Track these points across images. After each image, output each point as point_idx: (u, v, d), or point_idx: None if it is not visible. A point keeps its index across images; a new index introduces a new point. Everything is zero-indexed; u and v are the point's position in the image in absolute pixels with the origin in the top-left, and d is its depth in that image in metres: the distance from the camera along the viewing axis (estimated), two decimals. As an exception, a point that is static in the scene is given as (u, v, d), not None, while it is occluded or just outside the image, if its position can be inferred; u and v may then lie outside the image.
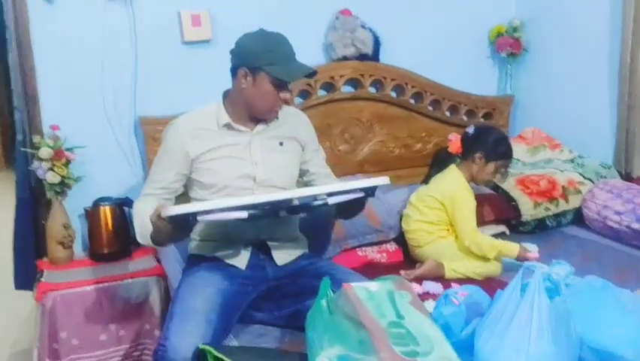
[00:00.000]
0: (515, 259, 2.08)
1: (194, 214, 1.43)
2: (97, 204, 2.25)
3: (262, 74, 1.63)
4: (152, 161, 1.96)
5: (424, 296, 1.91)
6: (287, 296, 1.69)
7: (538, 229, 2.46)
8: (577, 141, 2.77)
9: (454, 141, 2.22)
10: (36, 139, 2.19)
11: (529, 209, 2.42)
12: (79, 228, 2.35)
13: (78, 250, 2.35)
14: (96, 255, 2.26)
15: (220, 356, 1.36)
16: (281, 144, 1.77)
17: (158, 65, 2.41)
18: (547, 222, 2.47)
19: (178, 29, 2.43)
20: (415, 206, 2.23)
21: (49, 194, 2.18)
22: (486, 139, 2.22)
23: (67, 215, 2.24)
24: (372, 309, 1.35)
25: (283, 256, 1.75)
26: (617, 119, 2.60)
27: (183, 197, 1.78)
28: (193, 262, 1.77)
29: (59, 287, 2.05)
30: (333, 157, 2.68)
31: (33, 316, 2.15)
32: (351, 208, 1.70)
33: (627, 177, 2.57)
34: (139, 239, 1.67)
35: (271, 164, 1.73)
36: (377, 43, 2.73)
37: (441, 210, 2.18)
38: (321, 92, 2.69)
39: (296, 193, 1.51)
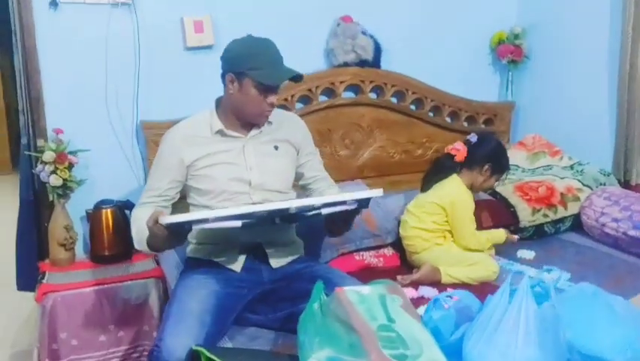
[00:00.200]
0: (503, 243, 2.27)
1: (190, 223, 1.46)
2: (98, 206, 2.28)
3: (247, 79, 1.66)
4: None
5: (420, 301, 1.92)
6: (282, 299, 1.71)
7: (537, 235, 2.47)
8: (577, 148, 2.77)
9: (461, 151, 2.23)
10: (40, 142, 2.24)
11: (527, 215, 2.43)
12: (81, 230, 2.38)
13: (80, 252, 2.38)
14: (97, 257, 2.29)
15: (212, 357, 1.38)
16: (276, 148, 1.79)
17: (161, 70, 2.44)
18: (546, 228, 2.47)
19: (181, 35, 2.46)
20: (412, 213, 2.25)
21: (51, 196, 2.22)
22: (493, 151, 2.26)
23: (70, 217, 2.28)
24: (363, 312, 1.37)
25: (279, 259, 1.77)
26: (616, 126, 2.61)
27: (181, 203, 1.82)
28: (190, 264, 1.80)
29: (60, 288, 2.08)
30: (333, 162, 2.70)
31: (33, 316, 2.18)
32: (338, 224, 1.72)
33: (626, 184, 2.57)
34: (136, 245, 1.71)
35: (265, 168, 1.75)
36: (378, 49, 2.75)
37: (440, 216, 2.19)
38: (322, 98, 2.72)
39: (290, 204, 1.52)
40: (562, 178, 2.58)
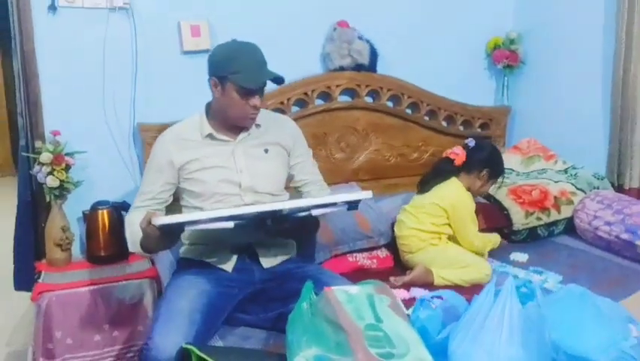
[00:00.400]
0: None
1: (182, 224, 1.49)
2: (95, 207, 2.30)
3: (229, 83, 1.69)
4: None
5: (411, 302, 1.92)
6: (273, 299, 1.73)
7: (530, 238, 2.48)
8: (571, 152, 2.79)
9: (460, 155, 2.25)
10: (37, 144, 2.26)
11: (520, 218, 2.45)
12: (77, 231, 2.41)
13: (76, 252, 2.40)
14: (93, 257, 2.31)
15: (202, 355, 1.39)
16: (266, 151, 1.82)
17: (158, 73, 2.47)
18: (539, 231, 2.49)
19: (177, 39, 2.49)
20: (409, 213, 2.27)
21: (48, 197, 2.24)
22: (490, 156, 2.30)
23: (66, 218, 2.30)
24: (351, 312, 1.39)
25: (270, 259, 1.79)
26: (610, 130, 2.63)
27: (174, 205, 1.84)
28: (182, 265, 1.82)
29: (55, 288, 2.10)
30: (329, 165, 2.73)
31: (29, 316, 2.20)
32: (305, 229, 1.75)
33: (619, 188, 2.59)
34: (130, 248, 1.75)
35: (255, 171, 1.78)
36: (374, 54, 2.78)
37: (441, 218, 2.21)
38: (318, 102, 2.74)
39: (281, 205, 1.55)
40: (556, 182, 2.60)
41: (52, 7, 2.28)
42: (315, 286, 1.46)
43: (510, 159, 2.75)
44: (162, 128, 2.14)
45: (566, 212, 2.50)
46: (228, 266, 1.76)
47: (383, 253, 2.33)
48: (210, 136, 1.78)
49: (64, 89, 2.35)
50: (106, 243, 2.30)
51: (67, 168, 2.23)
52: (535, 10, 3.03)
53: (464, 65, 3.08)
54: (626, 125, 2.53)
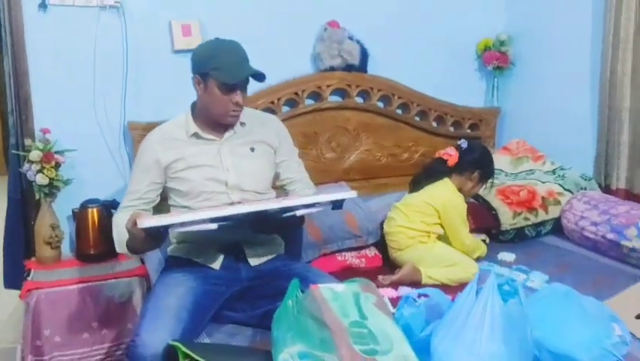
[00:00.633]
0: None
1: (166, 227, 1.50)
2: (85, 206, 2.31)
3: (211, 79, 1.70)
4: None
5: (399, 300, 1.93)
6: (260, 297, 1.74)
7: (518, 238, 2.50)
8: (559, 153, 2.81)
9: (453, 156, 2.27)
10: (27, 142, 2.26)
11: (508, 218, 2.47)
12: (67, 229, 2.41)
13: (66, 250, 2.41)
14: (83, 255, 2.31)
15: (188, 352, 1.40)
16: (252, 149, 1.83)
17: (149, 72, 2.48)
18: (527, 231, 2.51)
19: (169, 38, 2.50)
20: (400, 210, 2.27)
21: (38, 195, 2.25)
22: (482, 158, 2.32)
23: (56, 216, 2.30)
24: (336, 309, 1.41)
25: (257, 257, 1.81)
26: (598, 132, 2.65)
27: (161, 204, 1.85)
28: (170, 263, 1.83)
29: (44, 286, 2.10)
30: (319, 165, 2.74)
31: (17, 314, 2.20)
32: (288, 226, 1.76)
33: (607, 189, 2.61)
34: (117, 249, 1.76)
35: (242, 170, 1.79)
36: (364, 54, 2.80)
37: (431, 217, 2.22)
38: (309, 101, 2.76)
39: (264, 206, 1.55)
40: (543, 182, 2.62)
41: (43, 5, 2.28)
42: (301, 283, 1.48)
43: (499, 160, 2.77)
44: (152, 126, 2.14)
45: (553, 212, 2.52)
46: (216, 264, 1.77)
47: (371, 252, 2.34)
48: (196, 135, 1.79)
49: (55, 88, 2.36)
50: (95, 241, 2.30)
51: (57, 166, 2.23)
52: (525, 12, 3.05)
53: (454, 66, 3.10)
54: (614, 127, 2.55)
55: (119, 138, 2.48)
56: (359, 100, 2.84)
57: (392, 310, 1.67)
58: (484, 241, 2.42)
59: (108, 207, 2.32)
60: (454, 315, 1.33)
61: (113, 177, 2.48)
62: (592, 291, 1.81)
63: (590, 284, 2.02)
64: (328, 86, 2.74)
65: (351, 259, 2.28)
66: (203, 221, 1.49)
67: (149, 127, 2.28)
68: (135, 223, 1.49)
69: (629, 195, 2.52)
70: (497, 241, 2.50)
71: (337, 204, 1.64)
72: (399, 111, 2.93)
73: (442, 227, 2.26)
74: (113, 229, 1.75)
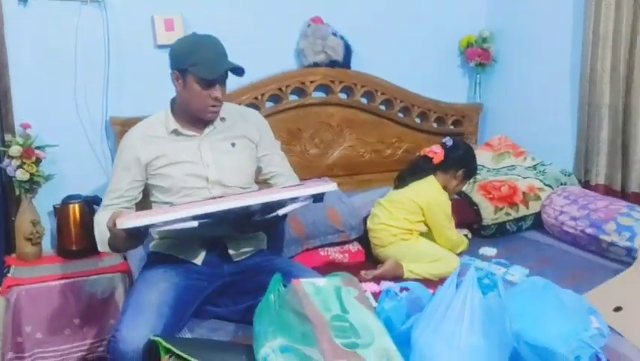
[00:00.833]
0: None
1: (146, 227, 1.50)
2: (66, 201, 2.29)
3: (189, 75, 1.69)
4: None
5: (380, 294, 1.96)
6: (243, 292, 1.74)
7: (499, 233, 2.53)
8: (541, 149, 2.85)
9: (439, 154, 2.28)
10: (7, 137, 2.24)
11: (490, 213, 2.49)
12: (48, 225, 2.39)
13: (47, 246, 2.39)
14: (64, 252, 2.30)
15: (170, 347, 1.40)
16: (233, 144, 1.82)
17: (131, 67, 2.46)
18: (508, 226, 2.54)
19: (151, 33, 2.49)
20: (384, 207, 2.28)
21: (18, 191, 2.23)
22: (467, 156, 2.34)
23: (37, 212, 2.29)
24: (317, 303, 1.41)
25: (239, 252, 1.80)
26: (578, 128, 2.69)
27: (143, 201, 1.84)
28: (152, 259, 1.83)
29: (24, 282, 2.09)
30: (303, 161, 2.75)
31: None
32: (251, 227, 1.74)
33: (586, 184, 2.65)
34: (99, 248, 1.75)
35: (222, 165, 1.78)
36: (348, 50, 2.80)
37: (416, 214, 2.23)
38: (292, 97, 2.76)
39: (243, 202, 1.55)
40: (524, 178, 2.65)
41: (23, -1, 2.26)
42: (284, 278, 1.48)
43: (481, 156, 2.79)
44: (135, 122, 2.12)
45: (534, 207, 2.56)
46: (198, 259, 1.76)
47: (354, 247, 2.35)
48: (176, 132, 1.78)
49: (35, 82, 2.34)
50: (77, 237, 2.29)
51: (38, 161, 2.22)
52: (507, 9, 3.08)
53: (438, 63, 3.12)
54: (593, 123, 2.59)
55: (100, 133, 2.47)
56: (343, 96, 2.85)
57: (374, 304, 1.68)
58: (466, 235, 2.45)
59: (90, 203, 2.31)
60: (434, 308, 1.34)
61: (95, 173, 2.46)
62: (571, 285, 1.84)
63: (570, 278, 2.05)
64: (312, 82, 2.74)
65: (334, 254, 2.29)
66: (184, 219, 1.49)
67: (131, 122, 2.26)
68: (115, 223, 1.49)
69: (608, 191, 2.56)
70: (479, 235, 2.52)
71: (318, 198, 1.64)
72: (382, 107, 2.95)
73: (426, 225, 2.27)
74: (95, 228, 1.75)
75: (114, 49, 2.41)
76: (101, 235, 1.69)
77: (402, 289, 1.57)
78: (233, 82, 2.43)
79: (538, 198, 2.56)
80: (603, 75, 2.52)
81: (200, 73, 1.68)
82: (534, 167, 2.76)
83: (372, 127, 2.93)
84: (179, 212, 1.50)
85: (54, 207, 2.35)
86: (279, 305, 1.42)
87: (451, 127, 3.12)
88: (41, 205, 2.33)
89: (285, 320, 1.37)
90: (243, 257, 1.81)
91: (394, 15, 2.95)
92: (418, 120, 3.04)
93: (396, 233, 2.23)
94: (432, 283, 1.99)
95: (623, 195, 2.50)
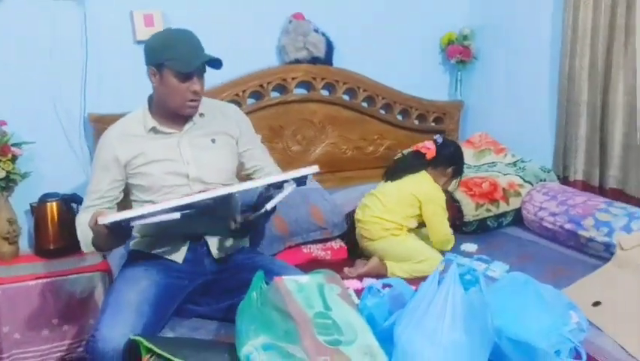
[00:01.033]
0: None
1: (128, 220, 1.47)
2: (43, 199, 2.25)
3: (166, 70, 1.67)
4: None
5: (363, 292, 1.96)
6: (224, 290, 1.73)
7: (480, 229, 2.55)
8: (520, 146, 2.88)
9: (431, 150, 2.29)
10: (-18, 134, 2.19)
11: (471, 210, 2.51)
12: (26, 224, 2.35)
13: (24, 245, 2.35)
14: (42, 251, 2.27)
15: (150, 346, 1.39)
16: (213, 141, 1.80)
17: (110, 63, 2.43)
18: (489, 222, 2.56)
19: (130, 29, 2.45)
20: (378, 198, 2.25)
21: (-6, 189, 2.18)
22: (457, 154, 2.36)
23: (13, 210, 2.24)
24: (300, 301, 1.41)
25: (221, 250, 1.79)
26: (556, 125, 2.72)
27: (124, 200, 1.82)
28: (132, 257, 1.81)
29: (2, 282, 2.05)
30: (285, 158, 2.73)
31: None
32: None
33: (565, 180, 2.68)
34: (83, 248, 1.72)
35: (202, 162, 1.76)
36: (329, 47, 2.80)
37: (412, 208, 2.21)
38: (274, 94, 2.75)
39: (223, 191, 1.54)
40: (505, 174, 2.67)
41: (-1, -6, 2.22)
42: (266, 276, 1.48)
43: (463, 153, 2.80)
44: (114, 118, 2.09)
45: (514, 204, 2.58)
46: (179, 257, 1.75)
47: (337, 244, 2.35)
48: (154, 129, 1.76)
49: (12, 78, 2.29)
50: (55, 236, 2.26)
51: (14, 158, 2.18)
52: (487, 7, 3.10)
53: (419, 60, 3.13)
54: (572, 120, 2.62)
55: (79, 130, 2.43)
56: (324, 93, 2.85)
57: (357, 301, 1.68)
58: None
59: (68, 201, 2.28)
60: (417, 304, 1.34)
61: (73, 170, 2.43)
62: (551, 280, 1.85)
63: (549, 273, 2.07)
64: (294, 78, 2.73)
65: (316, 251, 2.29)
66: (165, 211, 1.47)
67: (110, 119, 2.24)
68: (97, 222, 1.47)
69: (586, 187, 2.60)
70: (460, 232, 2.52)
71: (301, 181, 1.63)
72: (364, 104, 2.95)
73: (418, 220, 2.25)
74: (77, 228, 1.72)
75: (92, 44, 2.38)
76: (84, 235, 1.67)
77: (384, 285, 1.57)
78: (214, 78, 2.42)
79: (518, 194, 2.58)
80: (581, 73, 2.55)
81: (177, 66, 1.65)
82: (514, 163, 2.79)
83: (354, 124, 2.93)
84: (160, 204, 1.48)
85: (31, 205, 2.31)
86: (262, 303, 1.41)
87: (433, 124, 3.14)
88: (18, 203, 2.29)
89: (267, 317, 1.37)
90: (225, 255, 1.80)
91: (376, 12, 2.95)
92: (399, 117, 3.05)
93: (388, 227, 2.20)
94: (414, 279, 1.99)
95: (601, 191, 2.53)
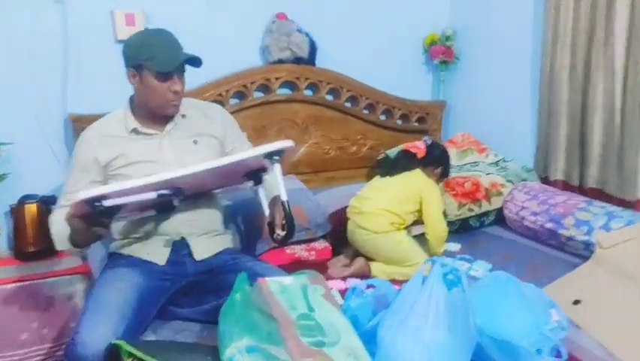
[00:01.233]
0: None
1: (103, 197, 1.42)
2: (22, 201, 2.22)
3: (145, 70, 1.65)
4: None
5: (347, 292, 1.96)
6: (207, 292, 1.71)
7: (463, 229, 2.56)
8: (502, 146, 2.90)
9: (422, 150, 2.29)
10: (-41, 135, 2.16)
11: (454, 209, 2.52)
12: (4, 226, 2.31)
13: (3, 248, 2.31)
14: (21, 253, 2.23)
15: (132, 350, 1.37)
16: (195, 142, 1.79)
17: (91, 63, 2.40)
18: (471, 222, 2.58)
19: (111, 28, 2.43)
20: (380, 190, 2.21)
21: (-29, 191, 2.15)
22: (444, 155, 2.38)
23: (-9, 212, 2.21)
24: (284, 302, 1.40)
25: (203, 251, 1.77)
26: (538, 125, 2.74)
27: None
28: (112, 259, 1.78)
29: (-21, 285, 2.02)
30: (268, 158, 2.72)
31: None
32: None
33: (546, 180, 2.71)
34: (58, 246, 1.68)
35: (184, 163, 1.71)
36: (313, 47, 2.79)
37: (413, 202, 2.20)
38: (257, 94, 2.74)
39: (206, 166, 1.52)
40: (487, 174, 2.69)
41: (-24, -8, 2.17)
42: (249, 277, 1.47)
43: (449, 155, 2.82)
44: (95, 118, 2.07)
45: (496, 203, 2.60)
46: (161, 259, 1.73)
47: (321, 244, 2.34)
48: (135, 130, 1.74)
49: (-11, 78, 2.25)
50: (35, 238, 2.22)
51: (-8, 159, 2.14)
52: (470, 8, 3.12)
53: (402, 60, 3.14)
54: (552, 120, 2.64)
55: (59, 130, 2.40)
56: (308, 93, 2.84)
57: (340, 301, 1.68)
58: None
59: (47, 203, 2.24)
60: (400, 305, 1.35)
61: (53, 172, 2.38)
62: (532, 278, 1.87)
63: (531, 272, 2.08)
64: (277, 78, 2.73)
65: (300, 251, 2.28)
66: (142, 189, 1.44)
67: (91, 119, 2.20)
68: (73, 214, 1.43)
69: (567, 186, 2.63)
70: (443, 231, 2.55)
71: (279, 155, 1.63)
72: (347, 104, 2.95)
73: (417, 215, 2.23)
74: (52, 227, 1.68)
75: (73, 44, 2.35)
76: (60, 233, 1.63)
77: (368, 286, 1.57)
78: (197, 78, 2.41)
79: (500, 194, 2.60)
80: (562, 73, 2.58)
81: (156, 66, 1.64)
82: (496, 163, 2.81)
83: (337, 124, 2.93)
84: (138, 180, 1.45)
85: (10, 207, 2.27)
86: (245, 305, 1.40)
87: (416, 124, 3.15)
88: (-4, 205, 2.25)
89: (250, 319, 1.36)
90: (207, 256, 1.78)
91: (359, 12, 2.96)
92: (383, 117, 3.06)
93: (393, 221, 2.16)
94: (397, 281, 2.00)
95: (581, 190, 2.56)
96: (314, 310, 1.41)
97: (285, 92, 2.80)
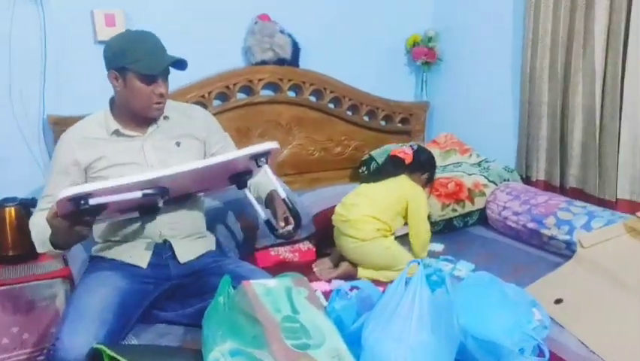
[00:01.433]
0: None
1: (87, 195, 1.39)
2: (1, 204, 2.18)
3: (129, 73, 1.64)
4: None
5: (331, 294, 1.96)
6: (191, 295, 1.70)
7: (447, 229, 2.58)
8: (484, 146, 2.93)
9: (409, 155, 2.29)
10: None
11: (437, 210, 2.54)
12: (-18, 230, 2.27)
13: (-19, 252, 2.26)
14: (0, 257, 2.18)
15: (114, 354, 1.35)
16: (178, 144, 1.77)
17: (70, 64, 2.37)
18: (455, 222, 2.59)
19: (91, 28, 2.40)
20: (366, 197, 2.21)
21: (-52, 194, 2.10)
22: (431, 161, 2.39)
23: (-31, 216, 2.16)
24: (268, 305, 1.40)
25: (186, 253, 1.76)
26: (519, 125, 2.77)
27: None
28: (94, 262, 1.76)
29: (-43, 290, 1.98)
30: (252, 159, 2.71)
31: None
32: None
33: (527, 180, 2.74)
34: (39, 248, 1.64)
35: (167, 166, 1.71)
36: (296, 48, 2.79)
37: (399, 208, 2.19)
38: (240, 96, 2.72)
39: (191, 166, 1.51)
40: (470, 175, 2.71)
41: (-49, -8, 2.13)
42: (233, 280, 1.46)
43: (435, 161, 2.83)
44: (74, 120, 2.04)
45: (479, 203, 2.62)
46: (143, 262, 1.71)
47: (305, 246, 2.34)
48: (117, 132, 1.72)
49: (-34, 79, 2.21)
50: (14, 242, 2.19)
51: (-31, 162, 2.10)
52: (452, 9, 3.14)
53: (385, 61, 3.15)
54: (533, 121, 2.68)
55: (38, 132, 2.36)
56: (291, 94, 2.84)
57: (325, 303, 1.68)
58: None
59: (27, 206, 2.20)
60: (384, 306, 1.35)
61: (32, 174, 2.35)
62: (514, 278, 1.89)
63: (513, 271, 2.10)
64: (260, 80, 2.72)
65: (284, 253, 2.28)
66: (127, 188, 1.43)
67: (71, 121, 2.17)
68: (56, 213, 1.40)
69: (548, 186, 2.66)
70: (427, 232, 2.56)
71: (264, 157, 1.65)
72: (331, 105, 2.95)
73: (404, 220, 2.23)
74: (32, 229, 1.65)
75: (52, 44, 2.32)
76: (40, 235, 1.60)
77: (352, 288, 1.57)
78: (180, 79, 2.39)
79: (483, 194, 2.62)
80: (542, 74, 2.60)
81: (142, 69, 1.62)
82: (479, 164, 2.83)
83: (321, 125, 2.93)
84: (122, 179, 1.44)
85: (-12, 210, 2.23)
86: (229, 308, 1.40)
87: (399, 125, 3.16)
88: (-26, 209, 2.20)
89: (234, 322, 1.35)
90: (190, 259, 1.77)
91: (342, 13, 2.96)
92: (366, 118, 3.07)
93: (379, 228, 2.15)
94: (382, 282, 2.00)
95: (562, 190, 2.59)
96: (298, 312, 1.41)
97: (268, 93, 2.79)
